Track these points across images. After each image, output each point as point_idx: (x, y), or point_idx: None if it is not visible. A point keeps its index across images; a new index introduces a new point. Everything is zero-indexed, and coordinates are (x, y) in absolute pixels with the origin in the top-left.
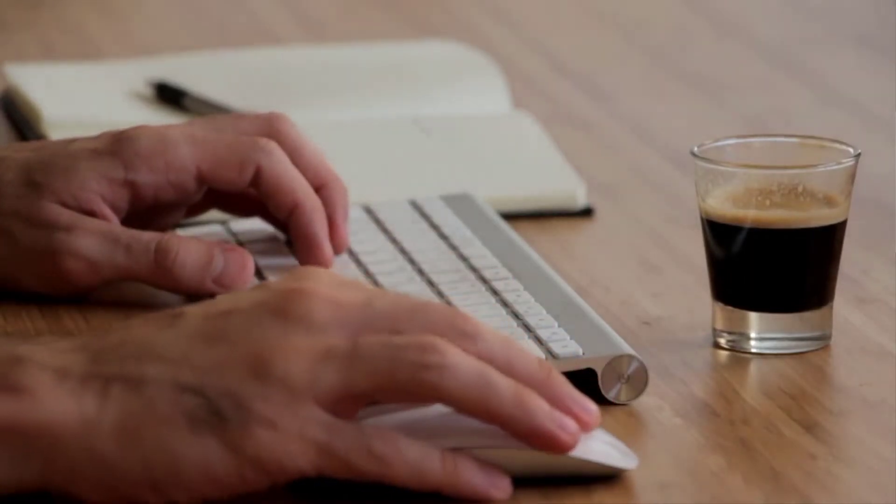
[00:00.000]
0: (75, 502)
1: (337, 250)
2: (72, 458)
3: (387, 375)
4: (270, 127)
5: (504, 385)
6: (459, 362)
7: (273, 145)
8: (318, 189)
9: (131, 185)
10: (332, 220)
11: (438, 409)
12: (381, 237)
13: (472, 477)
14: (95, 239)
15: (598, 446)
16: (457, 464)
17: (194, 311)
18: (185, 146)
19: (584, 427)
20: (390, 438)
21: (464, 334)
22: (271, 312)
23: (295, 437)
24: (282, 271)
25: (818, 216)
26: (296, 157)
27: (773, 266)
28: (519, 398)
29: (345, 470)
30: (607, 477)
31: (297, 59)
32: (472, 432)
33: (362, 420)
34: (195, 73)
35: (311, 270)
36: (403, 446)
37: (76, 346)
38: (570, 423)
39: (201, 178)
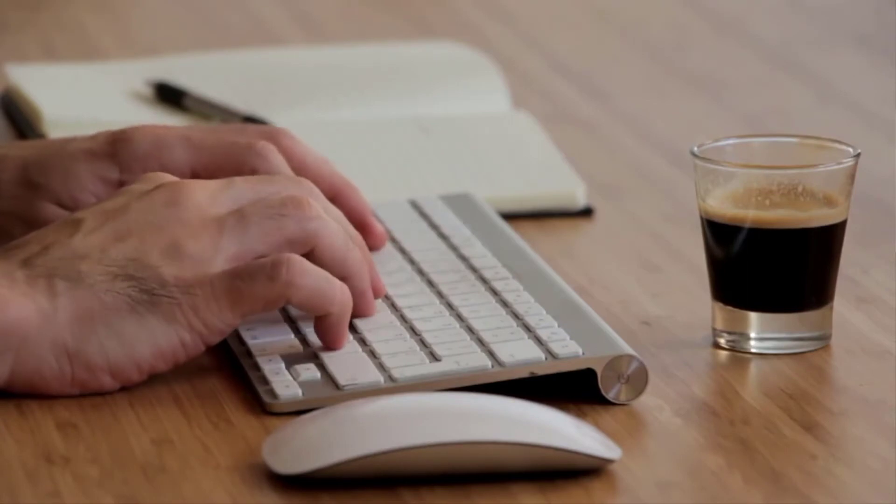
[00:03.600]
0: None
1: (381, 244)
2: (38, 351)
3: (277, 232)
4: (272, 141)
5: (354, 236)
6: (323, 214)
7: (270, 148)
8: (334, 198)
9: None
10: (364, 222)
11: (437, 402)
12: None
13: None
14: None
15: (586, 441)
16: (346, 291)
17: (89, 214)
18: (180, 149)
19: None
20: (293, 262)
21: (311, 193)
22: (163, 204)
23: (211, 297)
24: None
25: (818, 216)
26: (303, 170)
27: (773, 266)
28: (363, 249)
29: (260, 303)
30: (599, 471)
31: (297, 59)
32: (467, 425)
33: (358, 407)
34: (195, 73)
35: (160, 173)
36: (308, 270)
37: None
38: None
39: None
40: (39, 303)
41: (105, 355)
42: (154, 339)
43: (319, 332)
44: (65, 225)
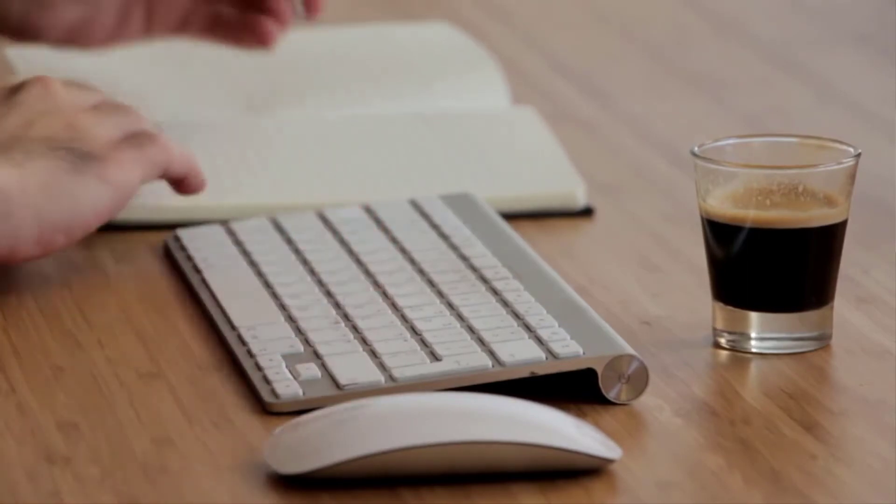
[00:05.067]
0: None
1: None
2: (18, 217)
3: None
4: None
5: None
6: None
7: None
8: None
9: None
10: None
11: (437, 402)
12: (381, 237)
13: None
14: None
15: (586, 441)
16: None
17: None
18: None
19: None
20: (159, 135)
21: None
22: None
23: (124, 160)
24: (284, 273)
25: (818, 216)
26: None
27: (773, 266)
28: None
29: (152, 163)
30: (599, 471)
31: (294, 49)
32: (467, 425)
33: (359, 407)
34: (195, 66)
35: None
36: (169, 141)
37: None
38: None
39: None
40: (12, 172)
41: (62, 215)
42: (95, 200)
43: (188, 183)
44: None
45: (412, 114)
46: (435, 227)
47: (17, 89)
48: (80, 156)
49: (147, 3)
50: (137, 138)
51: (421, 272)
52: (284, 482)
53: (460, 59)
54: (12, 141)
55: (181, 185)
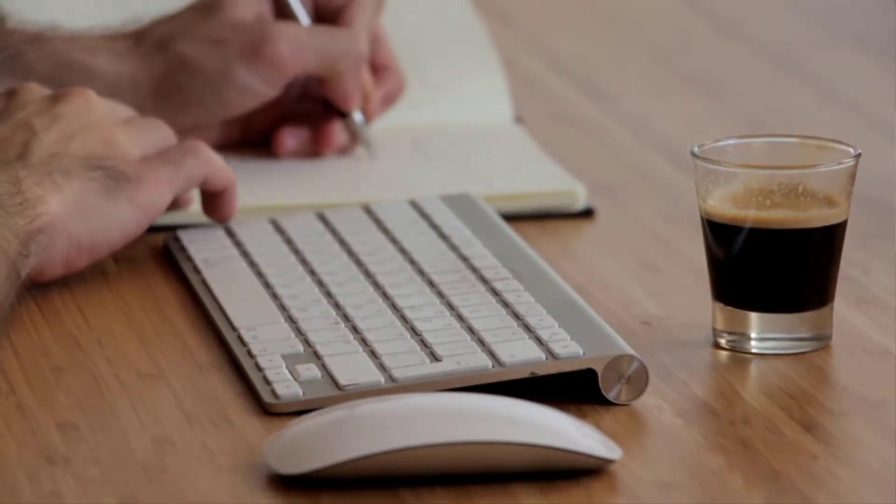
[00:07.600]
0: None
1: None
2: (60, 242)
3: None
4: None
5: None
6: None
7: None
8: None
9: None
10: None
11: (437, 402)
12: (381, 237)
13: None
14: (298, 29)
15: (586, 441)
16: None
17: (31, 118)
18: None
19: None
20: (201, 148)
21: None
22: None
23: (158, 181)
24: (284, 274)
25: (818, 216)
26: None
27: (773, 266)
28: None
29: (188, 179)
30: (600, 471)
31: None
32: (467, 425)
33: (359, 407)
34: None
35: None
36: (211, 153)
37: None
38: None
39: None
40: (57, 199)
41: (90, 236)
42: (122, 221)
43: (221, 204)
44: (17, 129)
45: (411, 126)
46: (435, 227)
47: (57, 99)
48: (114, 177)
49: (245, 118)
50: (175, 154)
51: (421, 272)
52: (284, 482)
53: (463, 59)
54: (52, 158)
55: (214, 202)
